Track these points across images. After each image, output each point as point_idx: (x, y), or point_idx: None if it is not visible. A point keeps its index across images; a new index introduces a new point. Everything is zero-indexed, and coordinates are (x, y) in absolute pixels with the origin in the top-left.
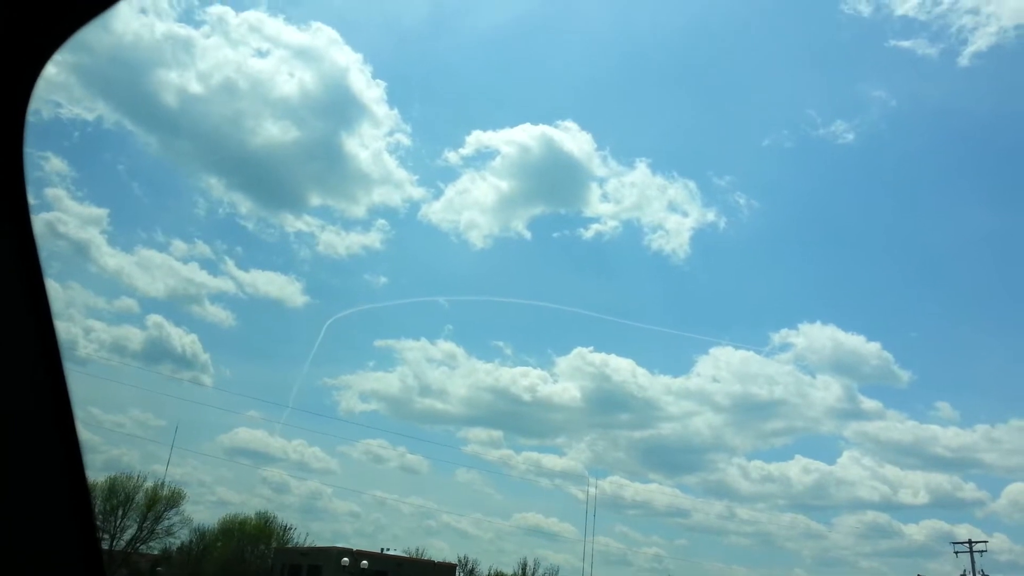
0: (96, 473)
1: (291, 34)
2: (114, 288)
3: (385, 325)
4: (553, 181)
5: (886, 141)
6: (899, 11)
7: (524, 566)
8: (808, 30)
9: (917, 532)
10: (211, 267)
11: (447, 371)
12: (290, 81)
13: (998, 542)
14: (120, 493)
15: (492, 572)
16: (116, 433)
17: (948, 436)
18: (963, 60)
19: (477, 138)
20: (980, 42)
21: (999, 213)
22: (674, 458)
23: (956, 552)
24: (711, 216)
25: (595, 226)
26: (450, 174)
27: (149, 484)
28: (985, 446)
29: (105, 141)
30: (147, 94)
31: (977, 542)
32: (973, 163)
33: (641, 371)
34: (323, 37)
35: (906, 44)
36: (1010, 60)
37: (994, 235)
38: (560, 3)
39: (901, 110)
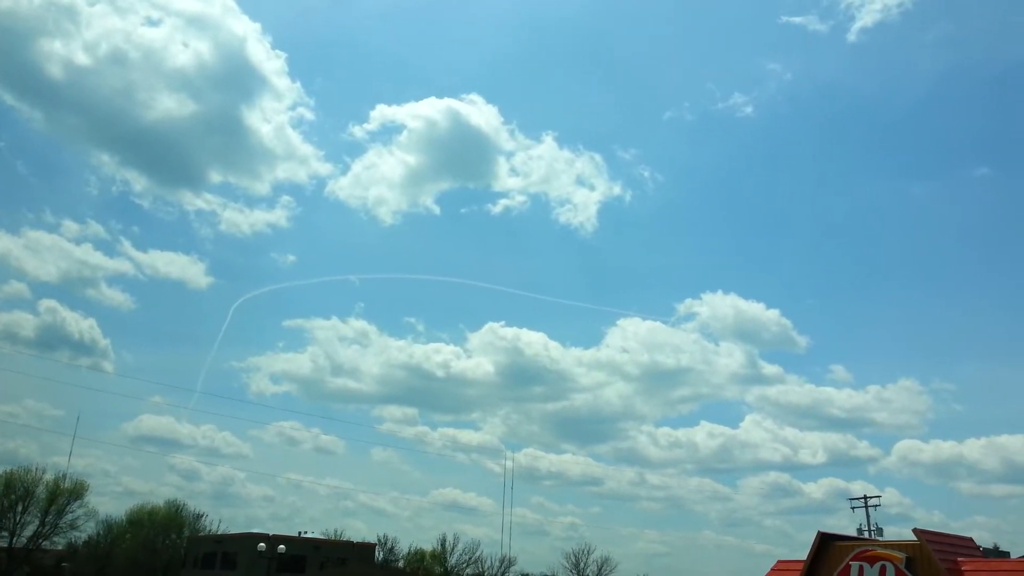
0: None
1: (183, 1)
2: (1, 272)
3: (294, 304)
4: (461, 155)
5: (783, 114)
6: None
7: (443, 541)
8: (705, 5)
9: (816, 490)
10: (106, 248)
11: (359, 349)
12: (185, 52)
13: (889, 496)
14: (18, 488)
15: (412, 549)
16: (10, 424)
17: (843, 397)
18: (851, 36)
19: (382, 112)
20: (867, 19)
21: (888, 183)
22: (586, 428)
23: (853, 507)
24: (617, 190)
25: (503, 201)
26: (356, 149)
27: (49, 477)
28: (876, 406)
29: None
30: (29, 66)
31: (871, 497)
32: (863, 134)
33: (553, 344)
34: (218, 5)
35: (798, 20)
36: (894, 35)
37: (883, 204)
38: None
39: (796, 83)
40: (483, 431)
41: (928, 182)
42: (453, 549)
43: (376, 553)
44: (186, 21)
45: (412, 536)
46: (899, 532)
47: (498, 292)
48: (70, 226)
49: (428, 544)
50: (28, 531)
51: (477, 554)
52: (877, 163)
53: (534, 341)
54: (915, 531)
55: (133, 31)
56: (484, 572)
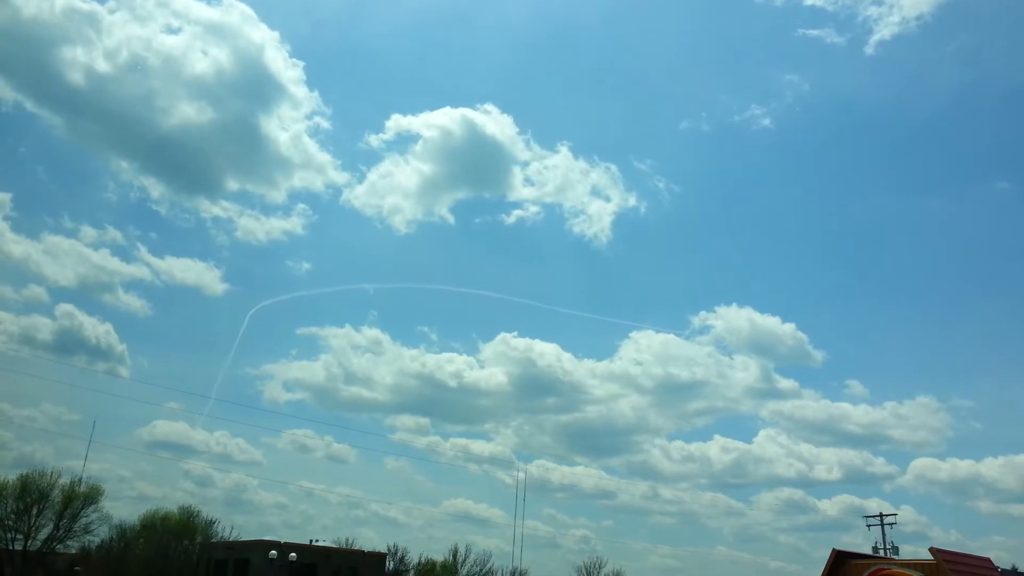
0: (6, 471)
1: (202, 9)
2: (20, 276)
3: (308, 312)
4: (475, 165)
5: (800, 126)
6: (807, 1)
7: (455, 552)
8: (722, 19)
9: (831, 507)
10: (123, 254)
11: (372, 358)
12: (204, 59)
13: (905, 514)
14: (33, 491)
15: (423, 560)
16: (27, 428)
17: (859, 413)
18: (869, 48)
19: (398, 122)
20: (884, 31)
21: (906, 196)
22: (599, 440)
23: (868, 525)
24: (632, 201)
25: (517, 211)
26: (372, 158)
27: (64, 481)
28: (893, 422)
29: (4, 123)
30: (50, 72)
31: (888, 515)
32: (880, 147)
33: (566, 355)
34: (236, 13)
35: (815, 33)
36: (913, 48)
37: (901, 217)
38: None
39: (814, 95)
40: (495, 442)
41: (947, 195)
42: (464, 560)
43: (387, 563)
44: (205, 29)
45: (423, 546)
46: (915, 551)
47: (511, 302)
48: (88, 231)
49: (439, 555)
50: (43, 534)
51: (488, 566)
52: (895, 176)
53: (547, 352)
54: (932, 550)
55: (153, 39)
56: None
